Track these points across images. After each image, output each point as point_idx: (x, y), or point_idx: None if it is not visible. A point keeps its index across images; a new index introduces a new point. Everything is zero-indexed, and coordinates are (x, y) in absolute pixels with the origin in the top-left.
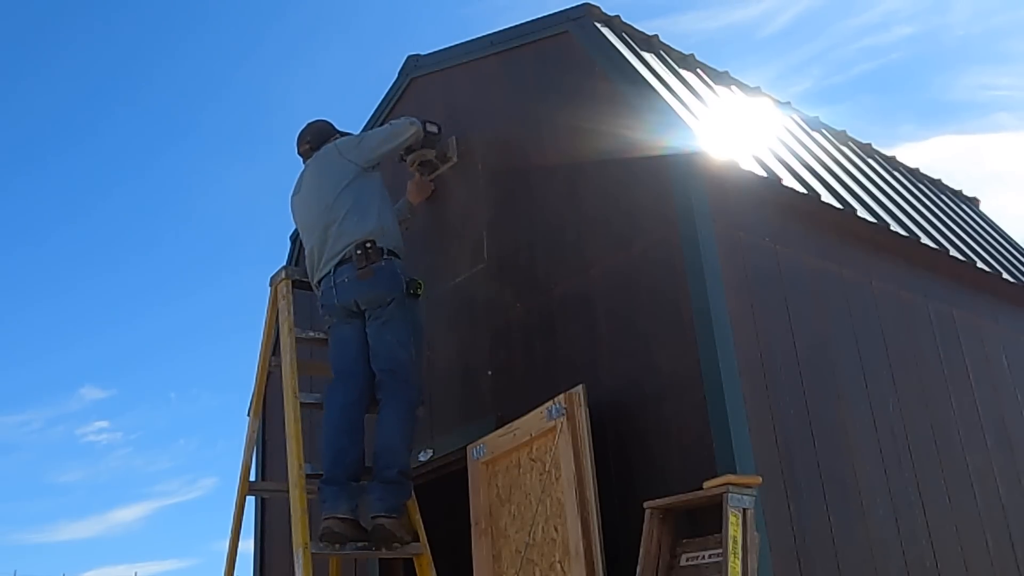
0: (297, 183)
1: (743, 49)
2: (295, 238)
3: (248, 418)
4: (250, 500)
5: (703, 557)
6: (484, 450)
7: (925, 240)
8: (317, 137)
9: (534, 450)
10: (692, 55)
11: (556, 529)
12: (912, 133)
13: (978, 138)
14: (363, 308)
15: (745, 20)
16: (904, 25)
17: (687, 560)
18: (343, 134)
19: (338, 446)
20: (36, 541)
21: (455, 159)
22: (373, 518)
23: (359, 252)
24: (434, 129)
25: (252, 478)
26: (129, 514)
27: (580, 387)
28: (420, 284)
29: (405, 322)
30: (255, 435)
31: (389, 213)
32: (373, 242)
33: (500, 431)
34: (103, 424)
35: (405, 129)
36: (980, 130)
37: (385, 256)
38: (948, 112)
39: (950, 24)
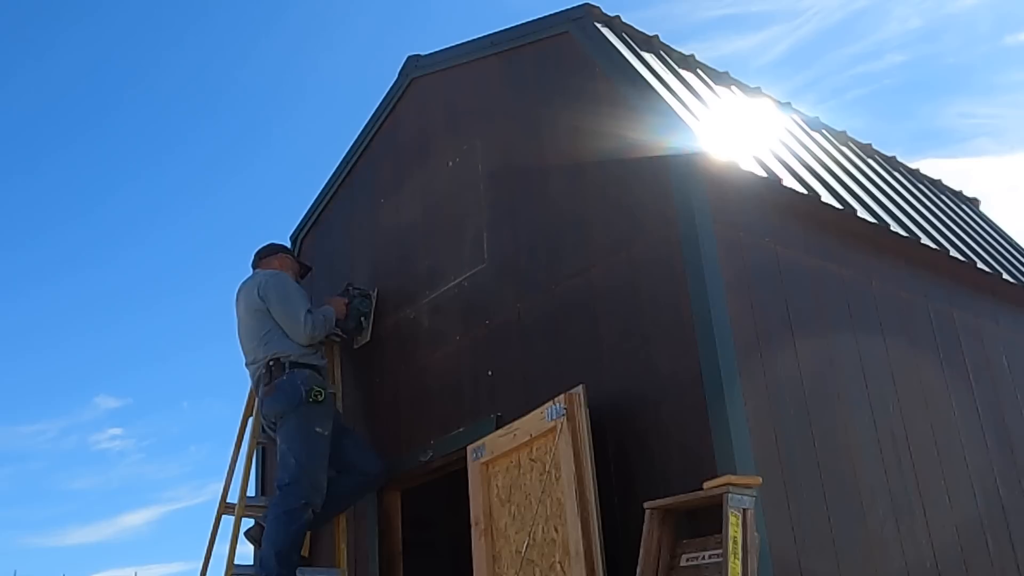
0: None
1: (739, 76)
2: (295, 237)
3: (232, 448)
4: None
5: (703, 557)
6: (484, 450)
7: (925, 240)
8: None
9: (534, 450)
10: (692, 55)
11: (556, 529)
12: (902, 157)
13: (964, 162)
14: (273, 421)
15: (742, 50)
16: (897, 53)
17: (687, 560)
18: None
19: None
20: (45, 545)
21: (366, 339)
22: None
23: (263, 371)
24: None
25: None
26: (137, 518)
27: (580, 387)
28: (320, 391)
29: (298, 431)
30: (235, 461)
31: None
32: (278, 359)
33: (500, 431)
34: (116, 431)
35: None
36: (965, 154)
37: (287, 370)
38: (935, 137)
39: (941, 52)
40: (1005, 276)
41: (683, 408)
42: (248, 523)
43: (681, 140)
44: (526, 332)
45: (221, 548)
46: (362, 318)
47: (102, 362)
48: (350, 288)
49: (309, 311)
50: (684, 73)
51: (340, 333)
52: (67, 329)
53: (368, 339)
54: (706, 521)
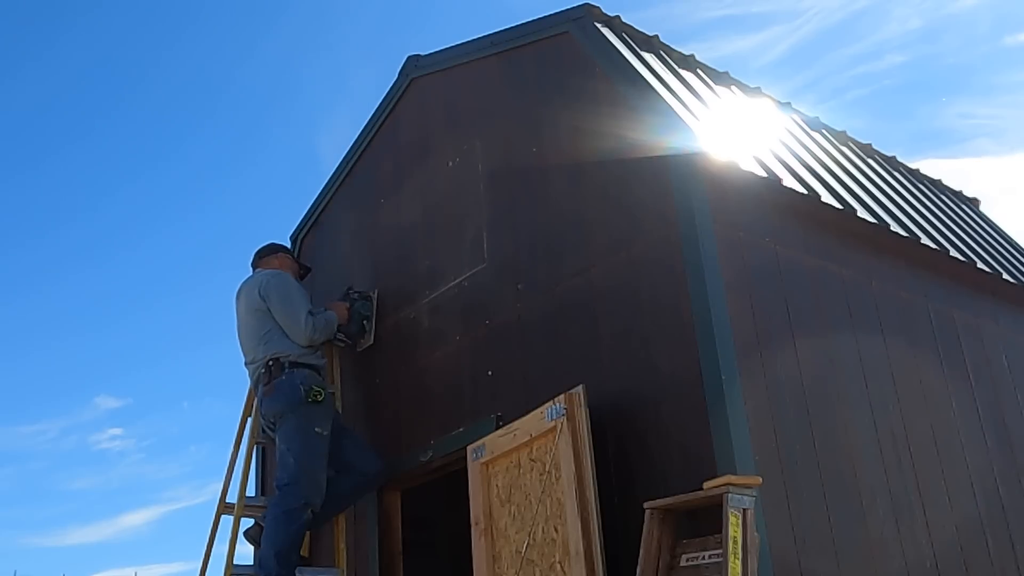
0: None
1: (739, 76)
2: (295, 237)
3: (231, 447)
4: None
5: (703, 557)
6: (484, 450)
7: (925, 240)
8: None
9: (534, 450)
10: (692, 55)
11: (556, 529)
12: (902, 157)
13: (964, 162)
14: (272, 421)
15: (742, 50)
16: (896, 53)
17: (687, 560)
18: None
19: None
20: (45, 545)
21: (370, 342)
22: None
23: (263, 371)
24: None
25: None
26: (137, 518)
27: (580, 387)
28: (319, 391)
29: (298, 431)
30: (234, 461)
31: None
32: (277, 359)
33: (500, 431)
34: (116, 431)
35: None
36: (965, 154)
37: (287, 370)
38: (935, 137)
39: (941, 53)
40: (1005, 276)
41: (683, 408)
42: (247, 523)
43: (681, 140)
44: (526, 332)
45: (220, 548)
46: (364, 321)
47: (102, 362)
48: (350, 292)
49: (311, 312)
50: (684, 73)
51: (344, 338)
52: (67, 329)
53: (372, 341)
54: (706, 521)
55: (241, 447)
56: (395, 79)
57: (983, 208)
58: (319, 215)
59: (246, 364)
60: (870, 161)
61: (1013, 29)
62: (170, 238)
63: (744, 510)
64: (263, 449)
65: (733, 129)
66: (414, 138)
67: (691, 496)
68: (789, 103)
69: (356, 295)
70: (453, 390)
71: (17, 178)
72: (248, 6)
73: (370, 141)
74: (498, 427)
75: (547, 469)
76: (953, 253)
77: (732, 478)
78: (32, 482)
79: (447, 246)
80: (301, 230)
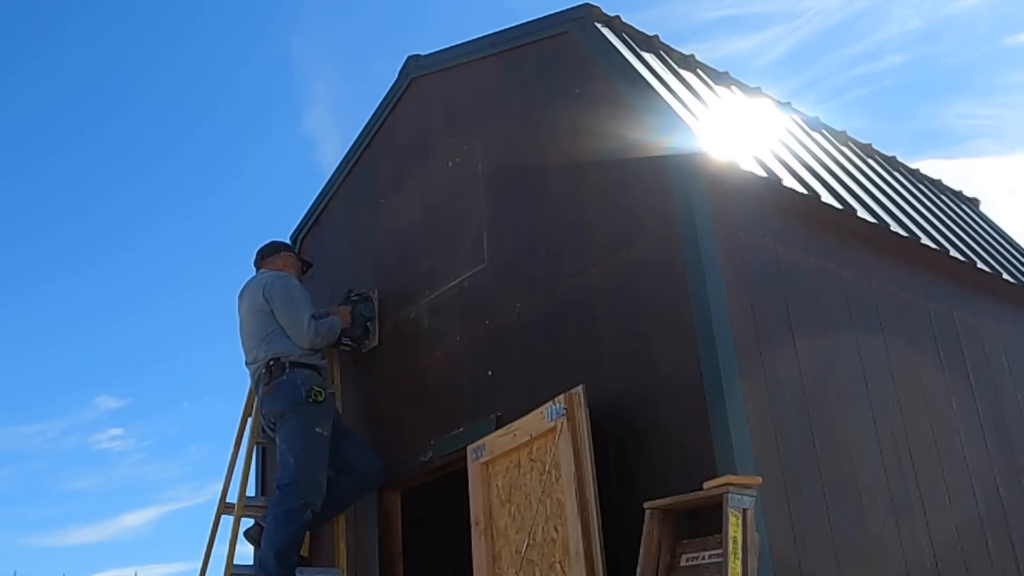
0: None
1: (739, 77)
2: (295, 237)
3: (231, 447)
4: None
5: (703, 557)
6: (484, 450)
7: (925, 240)
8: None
9: (534, 450)
10: (692, 55)
11: (556, 529)
12: (902, 157)
13: (964, 162)
14: (272, 421)
15: (742, 50)
16: (896, 54)
17: (687, 560)
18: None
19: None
20: (45, 545)
21: (374, 343)
22: None
23: (263, 371)
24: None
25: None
26: (137, 518)
27: (580, 387)
28: (320, 391)
29: (298, 431)
30: (235, 461)
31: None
32: (278, 359)
33: (500, 431)
34: (117, 431)
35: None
36: (965, 154)
37: (288, 370)
38: (935, 137)
39: (941, 53)
40: (1005, 276)
41: (683, 408)
42: (247, 523)
43: (681, 140)
44: (526, 332)
45: (220, 548)
46: (367, 323)
47: (102, 362)
48: (351, 294)
49: (314, 316)
50: (684, 73)
51: (350, 342)
52: (67, 329)
53: (376, 342)
54: (706, 521)
55: (241, 447)
56: (395, 79)
57: (983, 208)
58: (319, 215)
59: (247, 364)
60: (870, 161)
61: (1013, 29)
62: (170, 238)
63: (744, 510)
64: (263, 449)
65: (733, 129)
66: (414, 138)
67: (691, 496)
68: (789, 103)
69: (357, 297)
70: (453, 390)
71: (17, 178)
72: (248, 6)
73: (370, 141)
74: (498, 427)
75: (547, 469)
76: (953, 253)
77: (732, 478)
78: (32, 482)
79: (447, 246)
80: (301, 230)
